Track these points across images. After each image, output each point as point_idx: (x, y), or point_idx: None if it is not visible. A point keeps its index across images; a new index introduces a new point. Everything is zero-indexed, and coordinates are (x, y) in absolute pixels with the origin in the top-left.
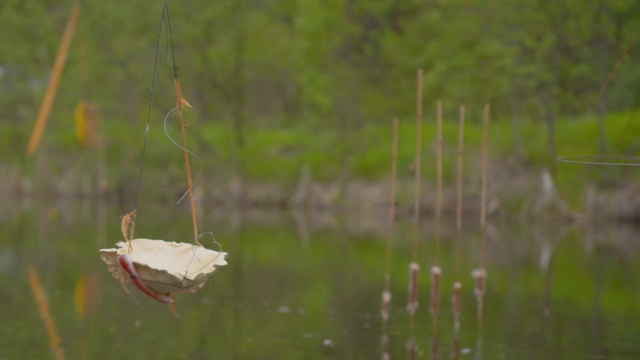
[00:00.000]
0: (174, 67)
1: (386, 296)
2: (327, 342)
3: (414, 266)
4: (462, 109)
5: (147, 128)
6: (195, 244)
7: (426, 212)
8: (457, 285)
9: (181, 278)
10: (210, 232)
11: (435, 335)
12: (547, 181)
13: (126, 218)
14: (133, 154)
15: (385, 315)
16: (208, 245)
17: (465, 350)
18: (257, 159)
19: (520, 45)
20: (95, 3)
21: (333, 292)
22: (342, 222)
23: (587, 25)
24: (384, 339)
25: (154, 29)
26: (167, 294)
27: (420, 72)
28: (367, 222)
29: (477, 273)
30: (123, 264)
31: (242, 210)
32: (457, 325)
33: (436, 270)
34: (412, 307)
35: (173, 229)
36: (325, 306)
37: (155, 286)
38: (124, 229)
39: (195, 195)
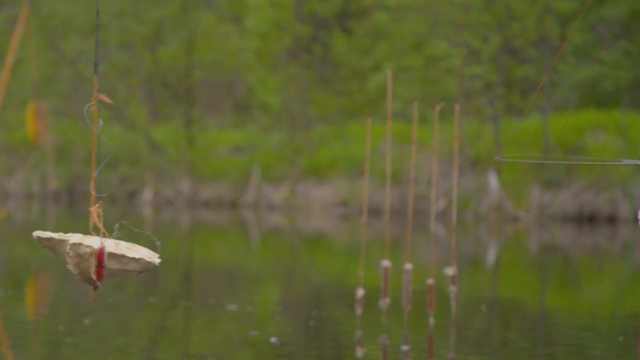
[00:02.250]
0: (95, 63)
1: (360, 292)
2: (273, 339)
3: (386, 263)
4: (437, 108)
5: (100, 123)
6: (90, 233)
7: (375, 212)
8: (430, 281)
9: (153, 264)
10: (124, 221)
11: (407, 331)
12: (493, 181)
13: (94, 209)
14: (83, 154)
15: (359, 311)
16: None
17: (405, 347)
18: (208, 159)
19: (467, 46)
20: (44, 2)
21: (282, 290)
22: (292, 221)
23: (531, 27)
24: (358, 334)
25: (104, 29)
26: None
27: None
28: (317, 221)
29: (450, 270)
30: (102, 253)
31: (192, 210)
32: (431, 320)
33: (408, 266)
34: (383, 302)
35: (122, 228)
36: (274, 304)
37: (110, 274)
38: (95, 220)
39: (145, 195)
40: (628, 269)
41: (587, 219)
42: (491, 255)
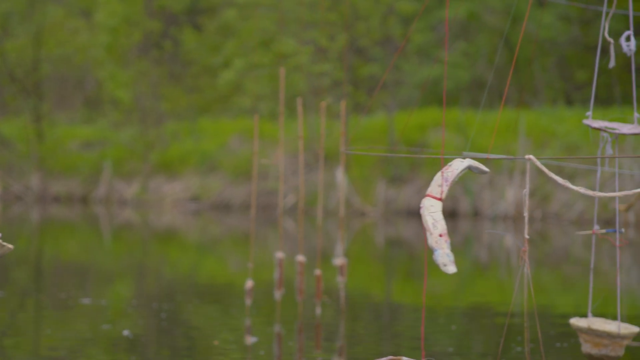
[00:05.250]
0: None
1: (249, 283)
2: (126, 332)
3: (280, 254)
4: (323, 105)
5: None
6: None
7: (226, 207)
8: (318, 272)
9: (9, 249)
10: None
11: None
12: (341, 176)
13: None
14: None
15: (248, 301)
16: None
17: (253, 339)
18: (58, 154)
19: (314, 44)
20: None
21: (135, 285)
22: (143, 217)
23: (376, 27)
24: (247, 322)
25: None
26: None
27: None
28: (168, 217)
29: (338, 261)
30: None
31: (42, 206)
32: (318, 311)
33: (300, 258)
34: (279, 293)
35: None
36: (127, 299)
37: None
38: None
39: None
40: (468, 263)
41: None
42: (340, 249)
